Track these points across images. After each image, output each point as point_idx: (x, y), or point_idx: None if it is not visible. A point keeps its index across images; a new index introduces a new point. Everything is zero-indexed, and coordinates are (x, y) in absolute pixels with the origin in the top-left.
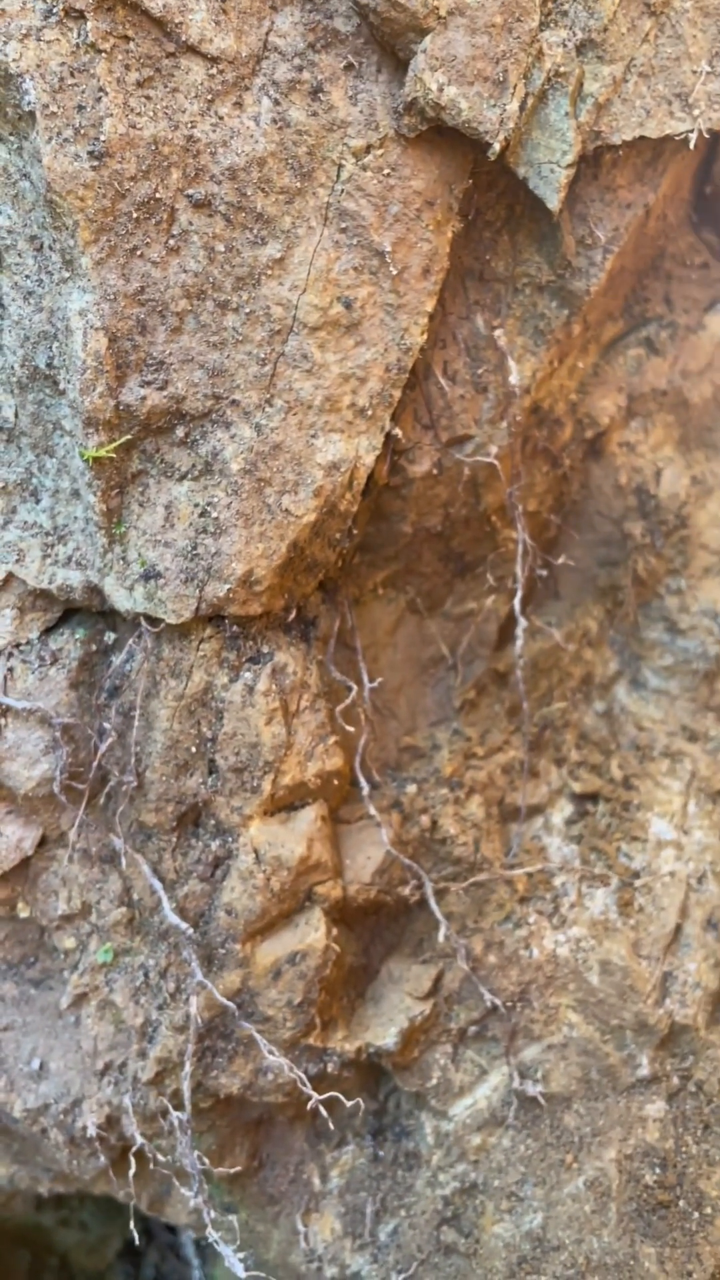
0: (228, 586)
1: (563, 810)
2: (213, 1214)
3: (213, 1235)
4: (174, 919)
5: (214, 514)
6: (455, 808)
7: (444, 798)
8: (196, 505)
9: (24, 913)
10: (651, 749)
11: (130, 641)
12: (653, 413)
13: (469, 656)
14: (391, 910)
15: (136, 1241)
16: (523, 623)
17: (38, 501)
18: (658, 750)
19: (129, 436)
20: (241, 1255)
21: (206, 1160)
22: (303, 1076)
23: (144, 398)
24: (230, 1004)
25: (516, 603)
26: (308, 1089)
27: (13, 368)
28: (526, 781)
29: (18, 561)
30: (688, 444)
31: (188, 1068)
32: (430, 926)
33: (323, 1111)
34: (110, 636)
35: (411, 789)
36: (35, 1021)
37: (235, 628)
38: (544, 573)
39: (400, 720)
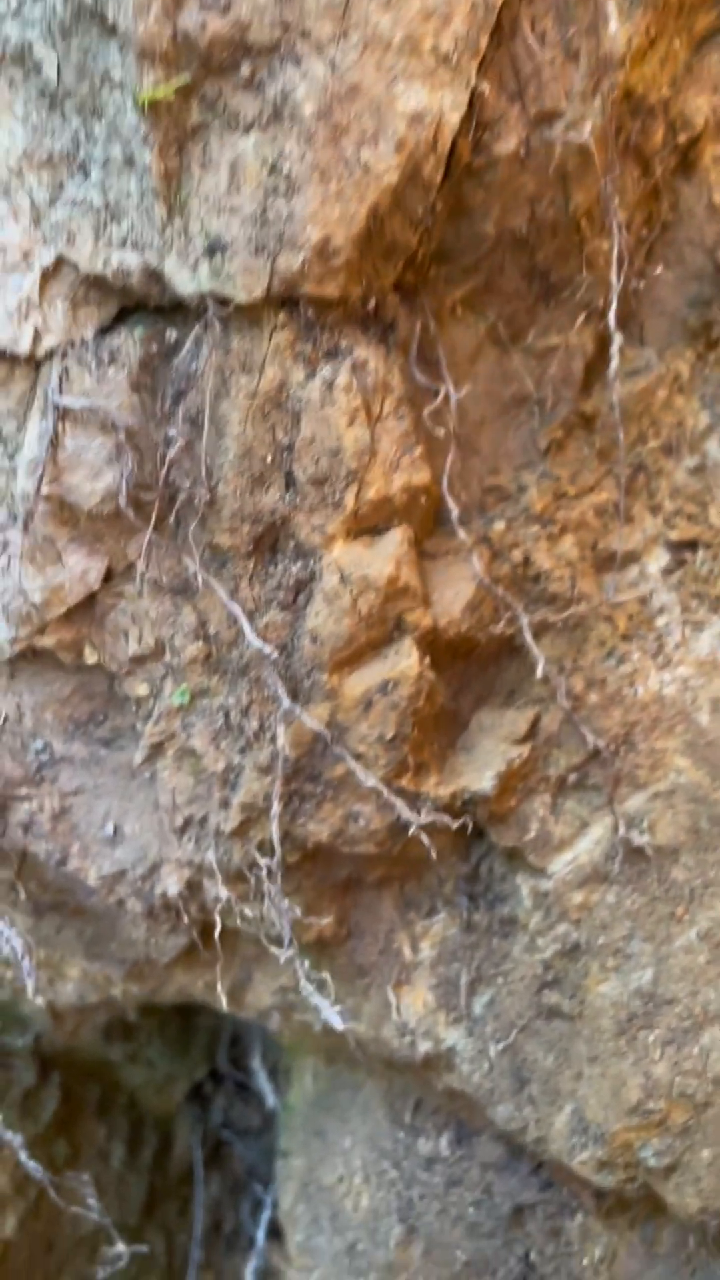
0: (303, 256)
1: (659, 559)
2: (306, 964)
3: (307, 989)
4: (256, 641)
5: (285, 169)
6: (548, 544)
7: (535, 534)
8: (265, 160)
9: (91, 658)
10: None
11: (195, 332)
12: None
13: (554, 398)
14: (481, 657)
15: (224, 1005)
16: (618, 338)
17: (87, 175)
18: None
19: (188, 76)
20: (339, 1008)
21: (298, 910)
22: (401, 805)
23: (204, 24)
24: (322, 729)
25: (611, 317)
26: (406, 814)
27: (54, 8)
28: (622, 525)
29: (68, 243)
30: None
31: (275, 808)
32: (523, 675)
33: (424, 839)
34: (172, 334)
35: (500, 525)
36: (107, 784)
37: (310, 313)
38: (640, 284)
39: (483, 459)
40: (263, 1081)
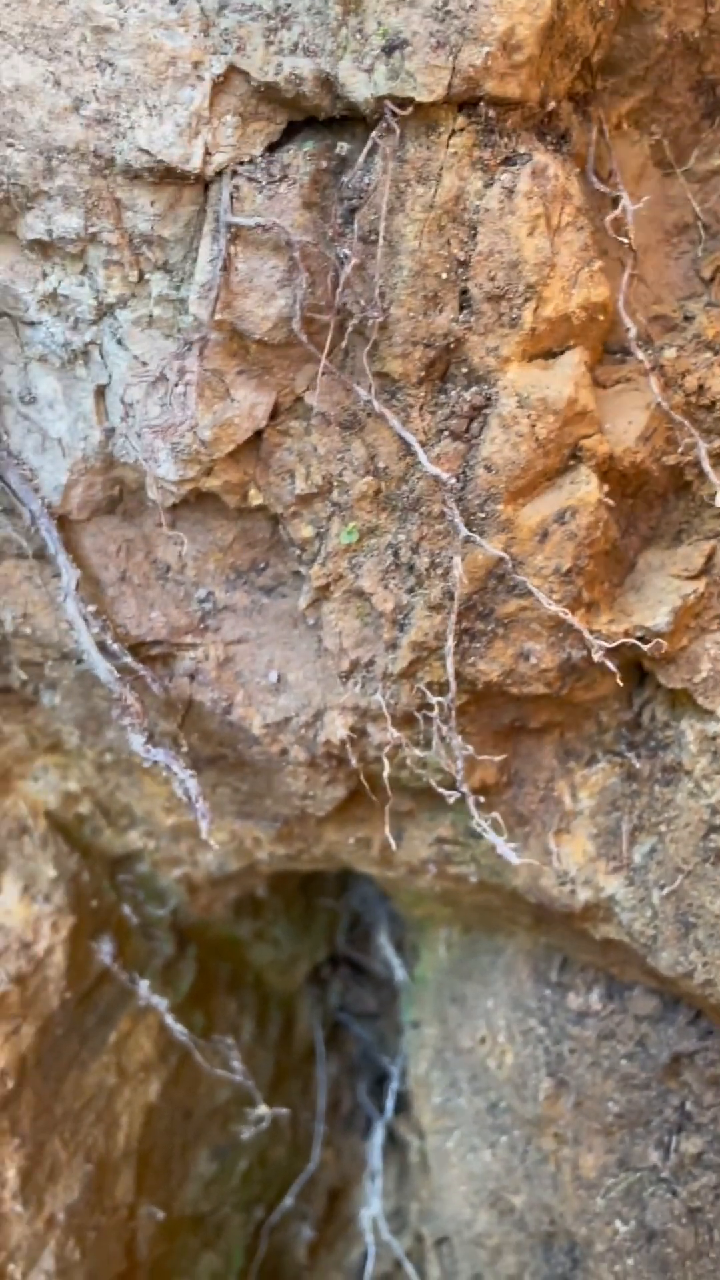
0: (486, 50)
1: None
2: (480, 800)
3: (482, 824)
4: (432, 468)
5: None
6: None
7: (709, 361)
8: None
9: (256, 500)
10: None
11: (369, 143)
12: None
13: (718, 225)
14: (648, 495)
15: (383, 852)
16: None
17: None
18: None
19: None
20: (514, 845)
21: (470, 749)
22: (586, 633)
23: None
24: (503, 555)
25: None
26: (591, 641)
27: None
28: None
29: (238, 51)
30: None
31: (449, 643)
32: (690, 515)
33: (611, 665)
34: (343, 148)
35: (671, 353)
36: (270, 632)
37: (490, 115)
38: None
39: (648, 287)
40: (390, 955)
